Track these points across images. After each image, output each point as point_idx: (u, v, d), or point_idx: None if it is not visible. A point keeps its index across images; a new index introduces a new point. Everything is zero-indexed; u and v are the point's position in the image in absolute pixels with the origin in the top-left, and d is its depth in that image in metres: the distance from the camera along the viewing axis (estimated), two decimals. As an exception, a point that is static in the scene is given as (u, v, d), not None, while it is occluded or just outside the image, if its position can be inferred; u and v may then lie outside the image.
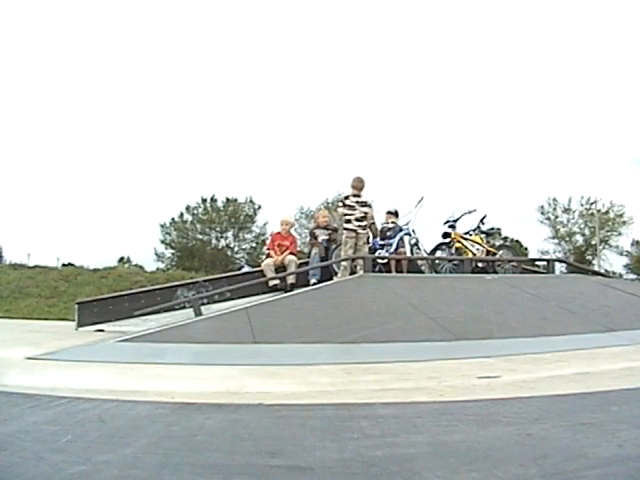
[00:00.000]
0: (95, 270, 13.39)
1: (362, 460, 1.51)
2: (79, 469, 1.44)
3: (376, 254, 7.19)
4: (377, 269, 6.86)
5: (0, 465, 1.50)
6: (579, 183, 43.47)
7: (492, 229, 8.04)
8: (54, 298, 10.85)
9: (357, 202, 6.83)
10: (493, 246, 7.75)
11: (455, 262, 7.14)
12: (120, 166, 39.08)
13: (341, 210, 6.86)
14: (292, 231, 7.84)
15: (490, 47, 46.09)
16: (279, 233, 7.66)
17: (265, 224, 29.05)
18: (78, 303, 6.69)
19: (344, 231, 6.72)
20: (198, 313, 5.37)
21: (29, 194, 38.16)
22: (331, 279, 6.52)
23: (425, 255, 7.50)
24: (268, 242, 7.99)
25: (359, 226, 6.74)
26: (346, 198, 6.90)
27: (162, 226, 30.15)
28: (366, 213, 6.83)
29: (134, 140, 39.24)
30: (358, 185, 6.94)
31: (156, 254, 29.83)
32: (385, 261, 7.07)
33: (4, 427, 1.89)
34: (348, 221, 6.72)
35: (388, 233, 7.40)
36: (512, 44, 43.08)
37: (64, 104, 38.10)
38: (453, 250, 7.45)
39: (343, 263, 6.58)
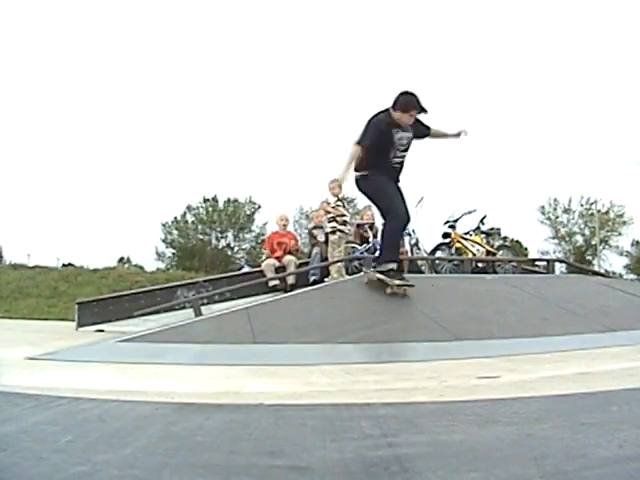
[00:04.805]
0: (95, 270, 13.39)
1: (362, 460, 1.51)
2: (79, 469, 1.44)
3: (376, 254, 7.20)
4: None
5: (0, 465, 1.50)
6: (581, 183, 43.49)
7: (492, 229, 8.05)
8: (54, 298, 10.86)
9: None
10: (493, 246, 7.75)
11: (455, 262, 7.14)
12: (120, 166, 39.12)
13: (342, 210, 6.91)
14: (290, 229, 7.87)
15: (491, 46, 46.09)
16: (277, 232, 7.66)
17: (265, 224, 29.06)
18: (78, 303, 6.70)
19: (338, 232, 6.77)
20: (198, 313, 5.37)
21: (29, 194, 38.18)
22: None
23: (425, 255, 7.50)
24: (266, 243, 7.98)
25: (348, 229, 6.94)
26: (342, 200, 6.97)
27: (164, 225, 30.18)
28: None
29: (134, 140, 39.27)
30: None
31: (157, 253, 29.85)
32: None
33: (4, 427, 1.89)
34: (344, 222, 6.80)
35: None
36: (513, 43, 43.13)
37: (64, 104, 38.20)
38: (453, 250, 7.46)
39: (337, 264, 6.62)
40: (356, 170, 4.84)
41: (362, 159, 4.74)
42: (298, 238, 9.12)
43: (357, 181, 4.91)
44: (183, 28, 48.04)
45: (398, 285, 4.72)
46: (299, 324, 4.33)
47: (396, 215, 4.83)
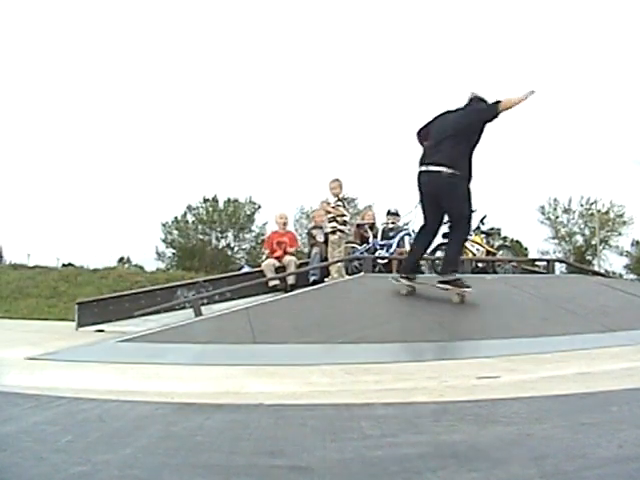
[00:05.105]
0: (95, 270, 13.40)
1: (362, 460, 1.51)
2: (79, 469, 1.44)
3: (376, 254, 7.21)
4: (377, 269, 6.86)
5: (0, 465, 1.50)
6: (581, 183, 43.45)
7: (492, 229, 8.04)
8: (54, 298, 10.86)
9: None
10: (493, 246, 7.74)
11: (455, 262, 7.13)
12: (120, 166, 39.12)
13: (342, 210, 6.91)
14: (291, 229, 7.86)
15: (489, 46, 46.09)
16: (276, 232, 7.66)
17: (265, 224, 29.05)
18: (78, 303, 6.70)
19: (338, 232, 6.77)
20: (198, 313, 5.37)
21: (29, 194, 38.17)
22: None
23: (425, 255, 7.49)
24: (266, 242, 7.98)
25: (348, 229, 6.93)
26: (343, 200, 6.97)
27: (164, 225, 30.16)
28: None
29: (134, 140, 39.27)
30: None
31: (157, 253, 29.84)
32: (386, 261, 7.09)
33: (4, 427, 1.89)
34: (344, 222, 6.80)
35: (390, 234, 7.42)
36: (512, 42, 43.12)
37: (64, 104, 38.18)
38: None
39: (338, 264, 6.62)
40: (443, 165, 4.52)
41: (457, 155, 4.56)
42: (298, 238, 9.13)
43: (439, 176, 4.54)
44: (183, 28, 48.07)
45: (469, 292, 4.63)
46: (299, 324, 4.33)
47: (469, 225, 4.79)
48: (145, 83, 42.49)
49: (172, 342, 3.91)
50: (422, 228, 5.01)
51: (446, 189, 4.57)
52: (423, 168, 4.68)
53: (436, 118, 4.87)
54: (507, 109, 4.56)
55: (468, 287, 4.65)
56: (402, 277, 4.97)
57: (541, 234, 31.63)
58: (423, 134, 4.90)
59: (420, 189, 4.76)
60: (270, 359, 3.56)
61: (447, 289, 4.68)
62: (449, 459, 1.50)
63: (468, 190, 4.66)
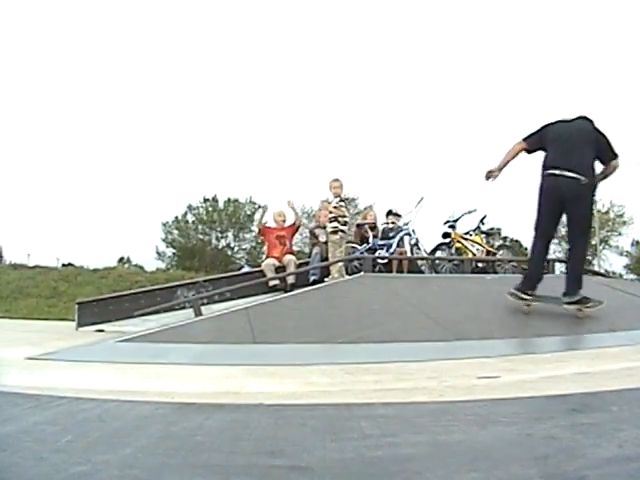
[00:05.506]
0: (95, 270, 13.43)
1: (362, 460, 1.51)
2: (79, 469, 1.44)
3: (376, 254, 7.21)
4: (377, 269, 6.87)
5: (0, 465, 1.50)
6: (580, 183, 43.29)
7: (492, 229, 8.05)
8: (54, 298, 10.88)
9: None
10: (493, 246, 7.75)
11: (455, 262, 7.15)
12: (120, 166, 39.11)
13: (344, 210, 6.91)
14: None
15: (489, 46, 46.11)
16: (275, 227, 7.65)
17: (265, 224, 29.02)
18: (78, 303, 6.70)
19: (340, 232, 6.77)
20: (198, 313, 5.38)
21: (29, 194, 38.14)
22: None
23: (425, 255, 7.51)
24: (265, 232, 7.89)
25: (348, 229, 6.94)
26: (344, 200, 6.98)
27: (164, 225, 30.13)
28: None
29: (135, 140, 39.26)
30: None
31: (157, 253, 29.82)
32: (386, 261, 7.10)
33: (4, 427, 1.89)
34: (345, 223, 6.80)
35: (391, 234, 7.43)
36: (512, 43, 43.12)
37: (64, 104, 38.14)
38: (453, 250, 7.46)
39: (338, 264, 6.62)
40: (580, 173, 4.43)
41: (590, 165, 4.51)
42: (299, 238, 9.11)
43: (577, 183, 4.42)
44: (183, 28, 48.10)
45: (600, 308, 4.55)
46: (299, 324, 4.33)
47: (589, 238, 4.72)
48: (145, 83, 42.50)
49: (172, 342, 3.91)
50: (537, 236, 4.84)
51: (580, 197, 4.47)
52: (557, 172, 4.47)
53: (547, 126, 4.71)
54: (612, 170, 4.68)
55: (591, 302, 4.53)
56: (524, 293, 4.73)
57: (541, 234, 31.55)
58: (533, 140, 4.77)
59: (545, 192, 4.58)
60: (270, 359, 3.56)
61: (575, 308, 4.56)
62: (449, 459, 1.50)
63: (593, 202, 4.66)
